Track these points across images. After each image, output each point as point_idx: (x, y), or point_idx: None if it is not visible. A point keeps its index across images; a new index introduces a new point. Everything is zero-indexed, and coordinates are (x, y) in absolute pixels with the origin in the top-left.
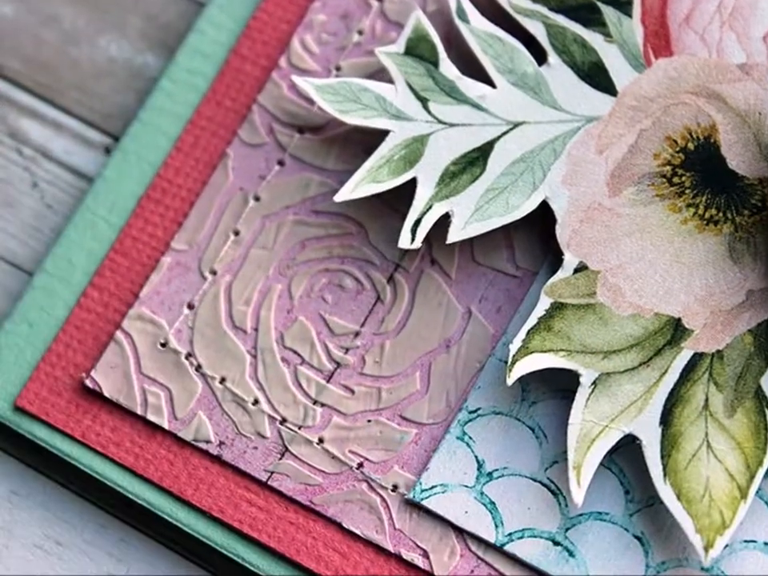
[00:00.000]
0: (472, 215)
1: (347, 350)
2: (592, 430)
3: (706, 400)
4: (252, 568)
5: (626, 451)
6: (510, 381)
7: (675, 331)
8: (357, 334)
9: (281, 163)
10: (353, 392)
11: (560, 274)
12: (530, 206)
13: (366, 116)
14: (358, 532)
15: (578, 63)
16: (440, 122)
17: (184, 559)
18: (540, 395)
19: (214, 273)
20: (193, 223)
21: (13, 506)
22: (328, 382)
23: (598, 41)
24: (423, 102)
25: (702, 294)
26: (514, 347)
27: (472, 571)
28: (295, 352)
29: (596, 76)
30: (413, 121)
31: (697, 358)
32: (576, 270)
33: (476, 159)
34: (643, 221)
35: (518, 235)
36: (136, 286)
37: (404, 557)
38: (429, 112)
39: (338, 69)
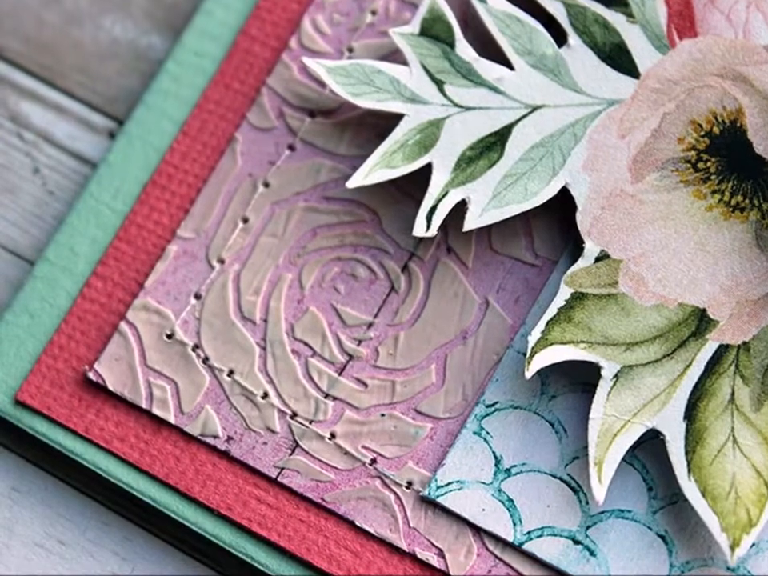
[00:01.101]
0: (489, 202)
1: (360, 342)
2: (614, 425)
3: (732, 393)
4: (261, 567)
5: (649, 446)
6: (528, 374)
7: (700, 322)
8: (370, 325)
9: (291, 148)
10: (366, 385)
11: (581, 263)
12: (549, 192)
13: (379, 99)
14: (371, 530)
15: (600, 44)
16: (456, 105)
17: (191, 558)
18: (560, 389)
19: (221, 261)
20: (200, 210)
21: (13, 502)
22: (340, 374)
23: (620, 21)
24: (439, 84)
25: (727, 283)
26: (532, 339)
27: (489, 571)
28: (306, 344)
29: (618, 58)
30: (428, 104)
31: (722, 349)
32: (597, 259)
33: (493, 144)
34: (667, 208)
35: (537, 223)
36: (141, 276)
37: (419, 556)
38: (444, 95)
39: (350, 50)
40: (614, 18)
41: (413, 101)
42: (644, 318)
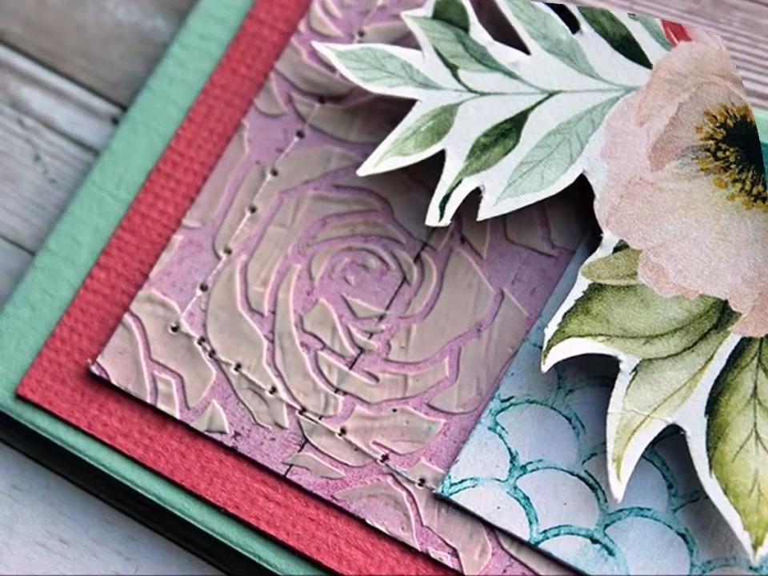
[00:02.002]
0: (504, 190)
1: (371, 335)
2: (633, 420)
3: (755, 388)
4: (269, 567)
5: (669, 442)
6: (545, 367)
7: (722, 314)
8: (381, 318)
9: (300, 135)
10: (377, 379)
11: (599, 253)
12: (566, 180)
13: (391, 84)
14: (382, 529)
15: (610, 34)
16: (470, 90)
17: (196, 558)
18: (577, 383)
19: (228, 252)
20: (206, 199)
21: (14, 500)
22: (351, 368)
23: (624, 16)
24: (452, 69)
25: (750, 274)
26: (549, 331)
27: (504, 571)
28: (315, 336)
29: (628, 48)
30: (441, 89)
31: (745, 342)
32: (616, 249)
33: (509, 130)
34: (687, 196)
35: (553, 212)
36: (145, 266)
37: (432, 555)
38: (458, 80)
39: (361, 34)
40: (619, 12)
41: (425, 86)
42: (664, 310)
